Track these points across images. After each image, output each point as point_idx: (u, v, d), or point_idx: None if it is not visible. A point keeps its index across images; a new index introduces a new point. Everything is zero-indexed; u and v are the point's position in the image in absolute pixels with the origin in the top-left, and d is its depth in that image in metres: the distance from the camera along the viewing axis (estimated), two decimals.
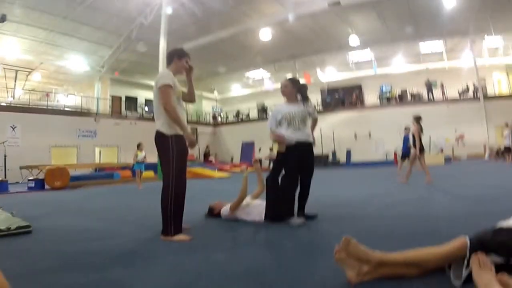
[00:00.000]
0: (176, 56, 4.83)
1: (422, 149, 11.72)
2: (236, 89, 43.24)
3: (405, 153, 15.70)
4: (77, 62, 29.69)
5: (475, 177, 12.66)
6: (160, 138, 4.56)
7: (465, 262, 2.25)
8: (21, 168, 20.04)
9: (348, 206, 6.56)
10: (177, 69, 4.79)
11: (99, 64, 31.34)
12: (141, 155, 15.55)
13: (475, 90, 29.26)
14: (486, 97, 28.77)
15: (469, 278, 2.22)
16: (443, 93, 30.63)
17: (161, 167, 4.67)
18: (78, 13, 23.10)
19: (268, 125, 5.47)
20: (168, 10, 22.36)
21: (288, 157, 5.21)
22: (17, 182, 20.36)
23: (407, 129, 15.88)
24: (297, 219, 4.96)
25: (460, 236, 2.36)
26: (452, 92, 30.21)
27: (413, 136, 11.74)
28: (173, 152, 4.50)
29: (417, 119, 11.96)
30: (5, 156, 20.59)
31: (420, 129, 11.77)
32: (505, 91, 29.92)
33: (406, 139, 15.94)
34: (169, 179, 4.45)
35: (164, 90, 4.48)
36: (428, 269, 2.44)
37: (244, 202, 5.44)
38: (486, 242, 2.31)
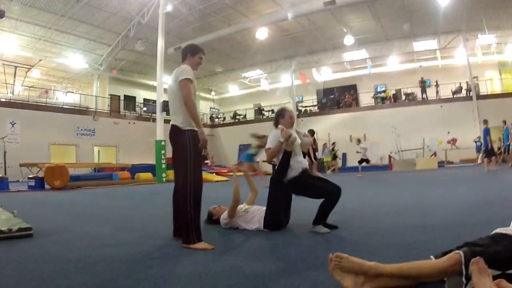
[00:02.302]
0: (189, 52, 4.75)
1: (315, 158, 13.98)
2: (233, 90, 43.21)
3: (487, 149, 16.73)
4: (76, 60, 29.69)
5: (468, 182, 12.67)
6: (176, 133, 4.48)
7: (464, 280, 2.20)
8: (21, 165, 19.95)
9: (345, 214, 6.52)
10: (190, 65, 4.68)
11: (97, 62, 31.31)
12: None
13: (468, 89, 29.26)
14: (478, 96, 28.78)
15: None
16: (436, 92, 30.67)
17: (175, 165, 4.57)
18: (75, 10, 23.21)
19: (269, 145, 5.28)
20: (168, 8, 22.35)
21: (296, 186, 5.15)
22: (17, 181, 20.34)
23: (486, 122, 17.16)
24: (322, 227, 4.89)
25: (454, 252, 2.32)
26: (446, 91, 30.26)
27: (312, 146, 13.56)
28: (190, 148, 4.40)
29: (312, 133, 13.87)
30: (4, 152, 20.53)
31: (314, 141, 13.85)
32: (497, 88, 30.17)
33: (486, 132, 16.88)
34: (186, 178, 4.32)
35: (186, 84, 4.42)
36: (423, 282, 2.42)
37: (243, 207, 5.39)
38: (480, 254, 2.24)
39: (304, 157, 5.53)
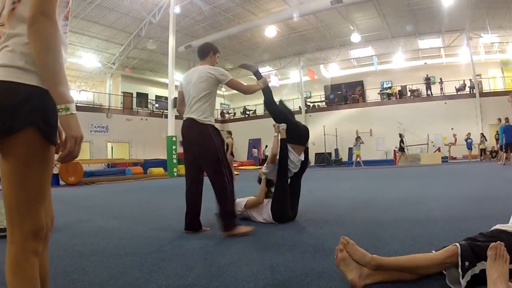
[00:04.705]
0: (212, 51, 4.94)
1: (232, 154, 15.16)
2: None
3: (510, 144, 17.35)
4: (89, 59, 29.84)
5: (470, 177, 12.64)
6: (197, 127, 4.54)
7: (460, 271, 2.22)
8: None
9: (351, 207, 6.53)
10: (212, 63, 4.88)
11: (110, 61, 31.45)
12: None
13: (472, 87, 29.16)
14: (481, 93, 28.70)
15: (474, 283, 2.21)
16: (441, 89, 30.59)
17: (201, 160, 4.62)
18: (88, 12, 23.26)
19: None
20: (176, 9, 22.37)
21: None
22: None
23: (507, 119, 17.93)
24: None
25: (452, 244, 2.35)
26: (450, 87, 30.21)
27: (227, 145, 14.32)
28: (217, 140, 4.53)
29: (230, 133, 15.82)
30: None
31: (232, 140, 15.32)
32: (499, 86, 30.04)
33: (507, 129, 17.60)
34: (221, 169, 4.46)
35: (236, 80, 4.84)
36: (423, 275, 2.43)
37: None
38: (478, 249, 2.28)
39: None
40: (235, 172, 14.93)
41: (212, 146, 4.48)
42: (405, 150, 26.45)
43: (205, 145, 4.51)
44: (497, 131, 21.12)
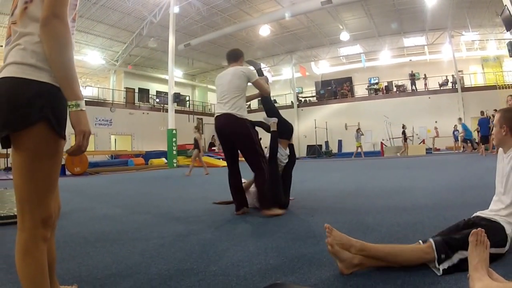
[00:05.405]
0: (242, 56, 5.33)
1: (204, 149, 14.69)
2: None
3: (485, 137, 17.36)
4: (94, 57, 29.66)
5: (453, 167, 12.69)
6: (238, 122, 4.77)
7: (437, 264, 2.26)
8: None
9: (341, 196, 6.52)
10: (241, 66, 5.21)
11: (113, 59, 31.31)
12: None
13: (454, 82, 29.25)
14: (463, 88, 28.79)
15: (455, 269, 2.23)
16: (425, 84, 30.66)
17: (242, 151, 4.88)
18: (93, 12, 23.08)
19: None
20: (175, 9, 22.33)
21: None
22: None
23: (482, 113, 18.49)
24: None
25: (427, 240, 2.37)
26: (433, 83, 30.29)
27: (196, 140, 14.61)
28: (254, 133, 4.88)
29: (197, 128, 15.69)
30: None
31: (200, 135, 15.07)
32: (480, 81, 30.22)
33: (482, 122, 17.67)
34: (259, 157, 4.80)
35: (259, 81, 5.10)
36: (404, 265, 2.39)
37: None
38: (453, 241, 2.32)
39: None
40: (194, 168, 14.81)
41: (251, 139, 4.79)
42: (406, 140, 26.41)
43: (244, 138, 4.79)
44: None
